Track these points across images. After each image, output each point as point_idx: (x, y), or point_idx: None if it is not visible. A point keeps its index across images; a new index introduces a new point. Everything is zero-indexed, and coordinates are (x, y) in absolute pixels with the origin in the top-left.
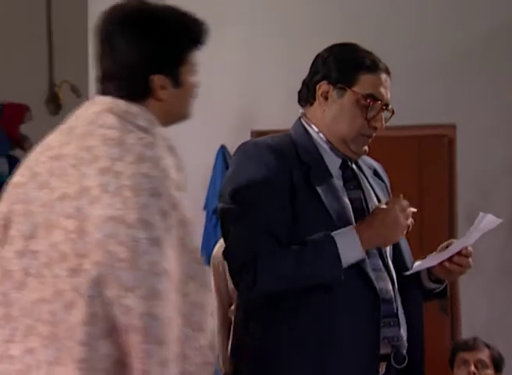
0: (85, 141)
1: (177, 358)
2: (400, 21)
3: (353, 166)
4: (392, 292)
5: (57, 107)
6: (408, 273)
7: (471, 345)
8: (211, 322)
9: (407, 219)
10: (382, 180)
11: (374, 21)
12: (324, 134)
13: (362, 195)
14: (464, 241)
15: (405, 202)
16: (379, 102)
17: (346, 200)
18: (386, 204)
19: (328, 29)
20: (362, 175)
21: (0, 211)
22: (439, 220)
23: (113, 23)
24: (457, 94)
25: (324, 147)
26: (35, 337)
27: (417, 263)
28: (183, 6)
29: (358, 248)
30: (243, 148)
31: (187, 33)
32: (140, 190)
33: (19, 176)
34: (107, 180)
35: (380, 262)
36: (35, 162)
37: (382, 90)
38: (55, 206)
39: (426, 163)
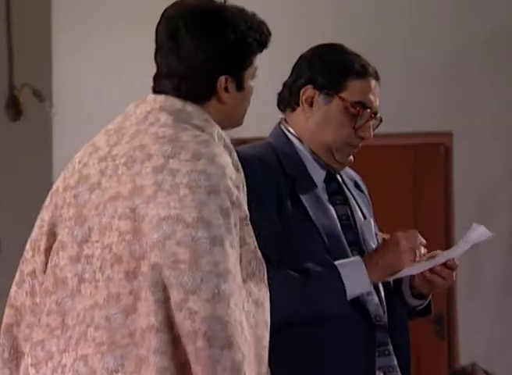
0: (136, 140)
1: (254, 361)
2: (392, 21)
3: (339, 178)
4: (385, 317)
5: (17, 112)
6: (389, 278)
7: (469, 372)
8: (269, 317)
9: (414, 258)
10: (363, 192)
11: (365, 20)
12: (306, 143)
13: (349, 210)
14: (451, 252)
15: (419, 239)
16: (368, 110)
17: (334, 216)
18: (392, 237)
19: (317, 29)
20: (346, 188)
21: (42, 218)
22: (435, 234)
23: (181, 17)
24: (454, 99)
25: (307, 157)
26: (88, 343)
27: (402, 271)
28: None
29: (366, 284)
30: None
31: (255, 34)
32: (198, 187)
33: (65, 181)
34: (162, 178)
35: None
36: (83, 165)
37: (372, 97)
38: (107, 207)
39: (421, 174)
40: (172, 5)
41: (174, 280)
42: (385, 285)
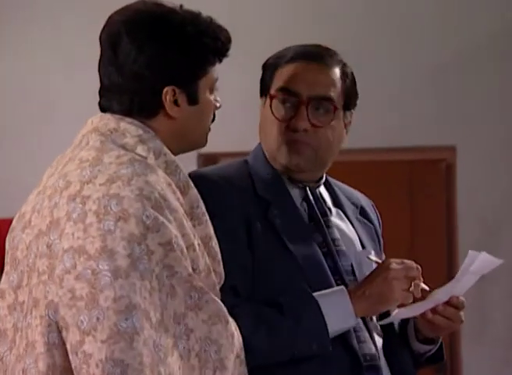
0: (65, 168)
1: None
2: (386, 23)
3: (316, 195)
4: (377, 357)
5: None
6: (381, 322)
7: None
8: (234, 358)
9: (408, 289)
10: (370, 221)
11: (354, 22)
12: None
13: (322, 238)
14: (452, 287)
15: (413, 271)
16: (295, 97)
17: (315, 242)
18: (382, 263)
19: (297, 30)
20: (340, 214)
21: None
22: (435, 264)
23: (122, 22)
24: (457, 109)
25: (284, 178)
26: None
27: (394, 312)
28: None
29: (351, 318)
30: None
31: (208, 40)
32: (106, 214)
33: (13, 221)
34: (73, 207)
35: (360, 320)
36: (26, 201)
37: (298, 80)
38: (32, 246)
39: (419, 193)
40: (117, 11)
41: (70, 320)
42: (388, 327)
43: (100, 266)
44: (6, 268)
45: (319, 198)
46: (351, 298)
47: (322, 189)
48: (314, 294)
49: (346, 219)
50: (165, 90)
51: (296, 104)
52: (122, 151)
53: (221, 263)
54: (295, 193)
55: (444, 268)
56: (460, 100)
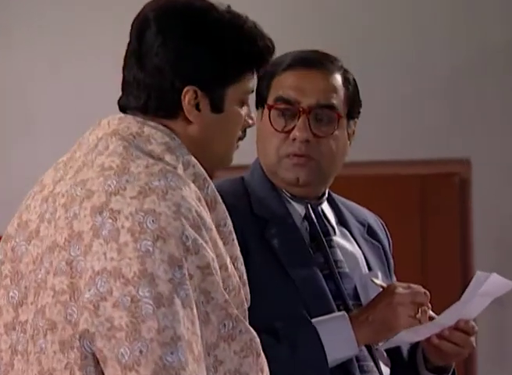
0: (80, 174)
1: None
2: (395, 26)
3: (318, 213)
4: None
5: None
6: (381, 346)
7: None
8: None
9: (414, 315)
10: (379, 240)
11: (359, 25)
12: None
13: (324, 259)
14: (458, 310)
15: (421, 296)
16: (294, 106)
17: (316, 264)
18: (387, 287)
19: (296, 34)
20: (345, 232)
21: None
22: (448, 288)
23: (152, 11)
24: (472, 119)
25: (282, 193)
26: None
27: (399, 334)
28: None
29: (353, 346)
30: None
31: (247, 46)
32: (142, 232)
33: (8, 228)
34: (100, 222)
35: (364, 348)
36: (25, 208)
37: (297, 88)
38: (43, 261)
39: (431, 211)
40: (149, 2)
41: (109, 353)
42: (396, 356)
43: (140, 293)
44: (2, 282)
45: (321, 216)
46: (353, 324)
47: (325, 206)
48: (313, 320)
49: (351, 238)
50: (185, 89)
51: (296, 114)
52: (150, 160)
53: (246, 284)
54: (295, 211)
55: (457, 293)
56: (474, 109)
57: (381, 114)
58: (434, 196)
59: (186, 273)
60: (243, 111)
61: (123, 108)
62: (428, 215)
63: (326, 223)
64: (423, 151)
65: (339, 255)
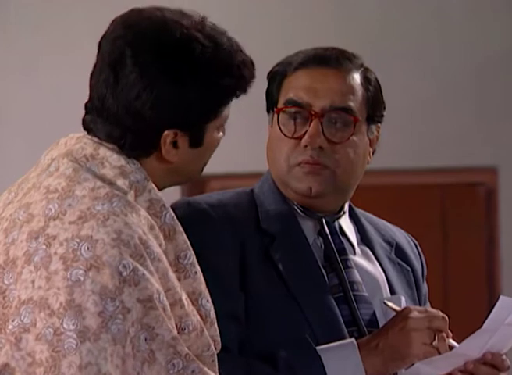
0: (26, 197)
1: None
2: (412, 23)
3: (334, 228)
4: None
5: None
6: None
7: None
8: None
9: (431, 342)
10: (408, 262)
11: (375, 23)
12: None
13: (339, 281)
14: (484, 339)
15: (438, 321)
16: (306, 109)
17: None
18: (401, 311)
19: (308, 31)
20: (366, 252)
21: None
22: (472, 311)
23: (127, 44)
24: (500, 123)
25: (294, 207)
26: None
27: (415, 365)
28: None
29: None
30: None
31: (231, 80)
32: (74, 260)
33: None
34: (34, 248)
35: None
36: None
37: (310, 89)
38: None
39: (454, 224)
40: (125, 19)
41: None
42: None
43: (64, 325)
44: None
45: (337, 232)
46: (361, 352)
47: (344, 221)
48: (318, 347)
49: (374, 259)
50: (165, 133)
51: (308, 117)
52: (98, 183)
53: (215, 324)
54: (308, 226)
55: (483, 319)
56: (502, 113)
57: (399, 118)
58: (456, 208)
59: (121, 307)
60: (220, 134)
61: (88, 129)
62: (450, 229)
63: (344, 240)
64: (444, 159)
65: (357, 277)
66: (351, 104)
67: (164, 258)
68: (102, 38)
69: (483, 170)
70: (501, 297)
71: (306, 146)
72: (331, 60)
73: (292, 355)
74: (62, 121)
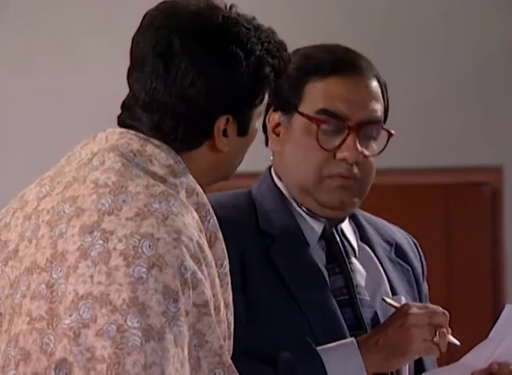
0: (69, 191)
1: None
2: (416, 20)
3: (340, 233)
4: None
5: None
6: None
7: None
8: None
9: (431, 339)
10: (408, 262)
11: (378, 20)
12: (288, 188)
13: (345, 283)
14: (491, 348)
15: (439, 316)
16: (342, 122)
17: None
18: (401, 307)
19: (304, 27)
20: (367, 252)
21: None
22: (477, 312)
23: (175, 31)
24: (505, 122)
25: (296, 208)
26: None
27: None
28: None
29: (361, 374)
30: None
31: (274, 61)
32: (136, 257)
33: None
34: (90, 242)
35: None
36: (3, 226)
37: (346, 100)
38: (20, 283)
39: (457, 225)
40: (161, 10)
41: None
42: None
43: (128, 323)
44: None
45: (341, 236)
46: (362, 350)
47: (345, 224)
48: (319, 348)
49: (375, 259)
50: (219, 119)
51: (343, 130)
52: (151, 181)
53: (232, 339)
54: (310, 228)
55: (487, 321)
56: (506, 113)
57: (400, 117)
58: (460, 208)
59: (182, 309)
60: (257, 124)
61: (128, 127)
62: (454, 229)
63: (346, 243)
64: (448, 158)
65: (359, 280)
66: (380, 114)
67: (214, 264)
68: (137, 33)
69: (487, 170)
70: (507, 306)
71: (343, 159)
72: (356, 67)
73: (292, 356)
74: (61, 120)
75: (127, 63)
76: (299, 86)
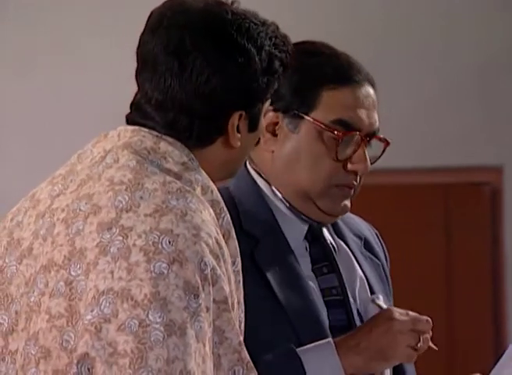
0: (84, 188)
1: None
2: (415, 20)
3: (326, 235)
4: None
5: None
6: None
7: None
8: None
9: (415, 345)
10: (376, 256)
11: (377, 21)
12: (275, 187)
13: (339, 282)
14: None
15: (422, 324)
16: (357, 132)
17: (315, 291)
18: (383, 311)
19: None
20: (344, 249)
21: None
22: (477, 307)
23: (185, 28)
24: (505, 122)
25: (279, 207)
26: None
27: None
28: None
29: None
30: None
31: (281, 55)
32: (157, 253)
33: None
34: (108, 239)
35: None
36: (15, 225)
37: (360, 111)
38: (37, 281)
39: (458, 225)
40: (168, 8)
41: None
42: None
43: (150, 317)
44: None
45: (321, 234)
46: (340, 350)
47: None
48: (299, 349)
49: (351, 254)
50: (233, 115)
51: (352, 140)
52: (168, 177)
53: (242, 334)
54: (292, 229)
55: (487, 323)
56: (506, 113)
57: (400, 117)
58: (461, 208)
59: (203, 305)
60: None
61: (136, 123)
62: (454, 229)
63: (329, 241)
64: (448, 158)
65: (339, 281)
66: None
67: (230, 261)
68: (144, 33)
69: (488, 170)
70: (510, 345)
71: (354, 172)
72: (363, 75)
73: (271, 357)
74: (61, 120)
75: (127, 63)
76: (311, 92)
